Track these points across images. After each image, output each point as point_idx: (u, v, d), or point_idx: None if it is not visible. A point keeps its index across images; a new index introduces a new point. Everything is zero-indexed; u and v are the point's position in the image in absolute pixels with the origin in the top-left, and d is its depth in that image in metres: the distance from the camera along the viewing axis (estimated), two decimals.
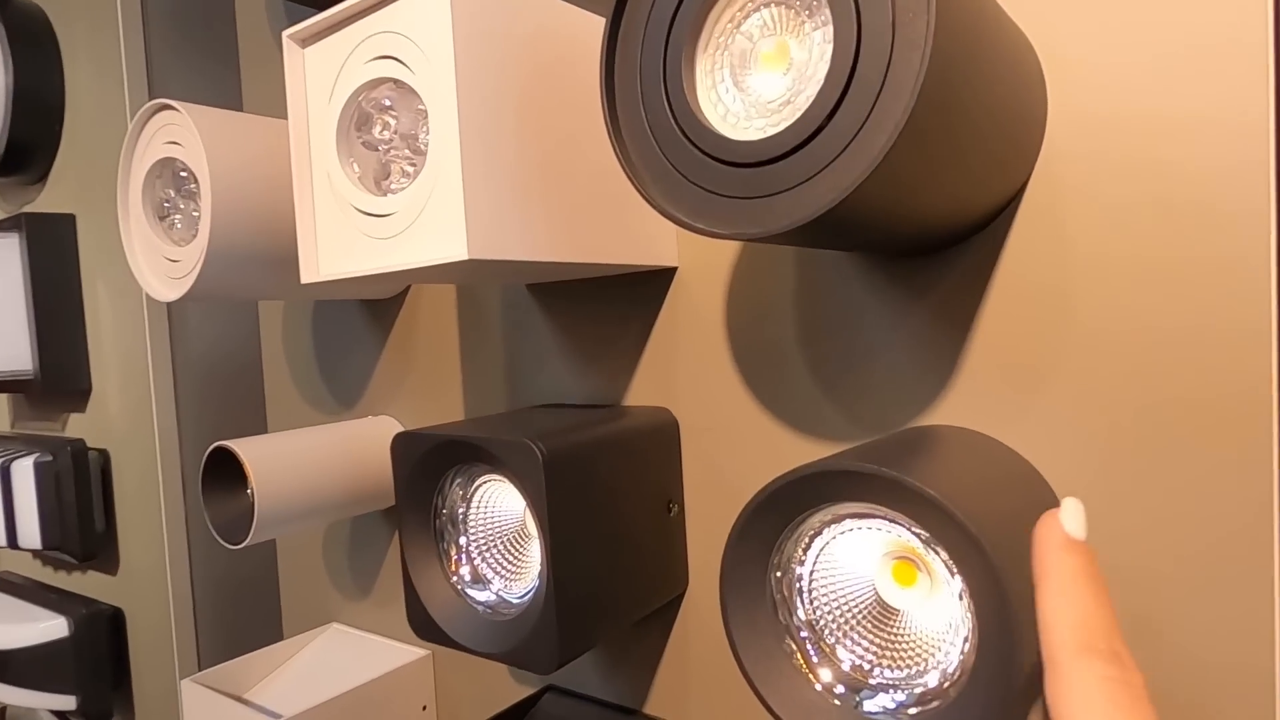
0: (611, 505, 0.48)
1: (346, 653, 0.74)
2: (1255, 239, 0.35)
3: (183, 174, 0.58)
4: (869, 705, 0.35)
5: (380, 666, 0.68)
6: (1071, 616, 0.26)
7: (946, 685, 0.34)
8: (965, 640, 0.34)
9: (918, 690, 0.35)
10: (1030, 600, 0.31)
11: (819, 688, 0.36)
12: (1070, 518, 0.29)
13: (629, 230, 0.50)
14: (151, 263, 0.60)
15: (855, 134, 0.28)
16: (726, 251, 0.51)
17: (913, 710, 0.34)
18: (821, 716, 0.36)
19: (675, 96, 0.33)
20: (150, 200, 0.59)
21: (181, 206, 0.59)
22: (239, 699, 0.66)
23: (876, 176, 0.28)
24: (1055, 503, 0.40)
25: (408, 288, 0.70)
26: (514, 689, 0.66)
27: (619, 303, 0.56)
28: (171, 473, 0.96)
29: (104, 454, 1.01)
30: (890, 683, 0.36)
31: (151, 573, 0.99)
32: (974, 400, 0.43)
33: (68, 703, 0.97)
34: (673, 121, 0.33)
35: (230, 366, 0.95)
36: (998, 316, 0.42)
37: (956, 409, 0.44)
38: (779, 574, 0.38)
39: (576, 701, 0.60)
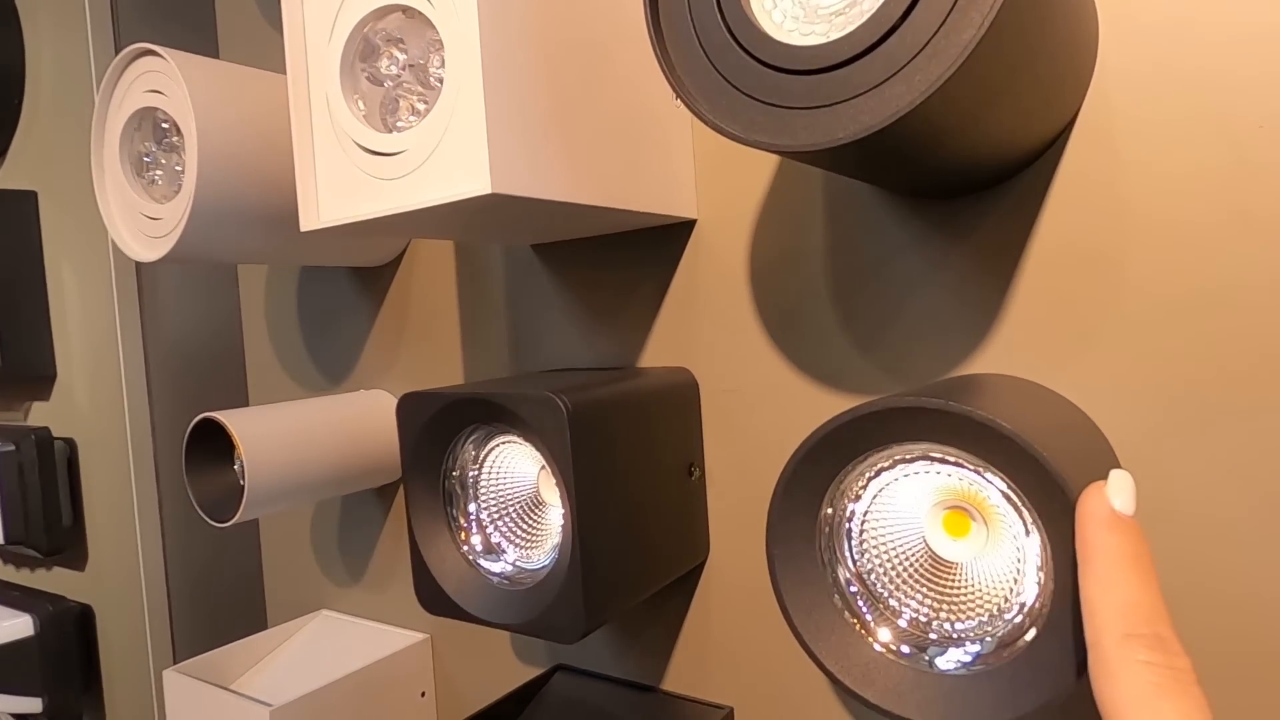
0: (634, 467, 0.46)
1: (338, 639, 0.71)
2: None
3: (164, 125, 0.55)
4: (942, 663, 0.33)
5: (375, 652, 0.65)
6: (1116, 600, 0.25)
7: (1021, 632, 0.32)
8: (1038, 585, 0.32)
9: (989, 640, 0.33)
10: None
11: (877, 647, 0.34)
12: (1118, 492, 0.27)
13: (650, 179, 0.47)
14: (129, 221, 0.56)
15: (936, 29, 0.26)
16: (749, 202, 0.49)
17: (979, 666, 0.32)
18: (882, 674, 0.33)
19: (727, 1, 0.30)
20: (128, 154, 0.55)
21: (163, 161, 0.55)
22: (230, 690, 0.62)
23: (959, 77, 0.26)
24: (1112, 451, 0.38)
25: (401, 254, 0.66)
26: (518, 671, 0.63)
27: (632, 261, 0.54)
28: (144, 460, 0.91)
29: (70, 443, 0.96)
30: (960, 635, 0.34)
31: (123, 566, 0.94)
32: (1021, 348, 0.41)
33: (33, 705, 0.92)
34: (724, 28, 0.30)
35: (207, 345, 0.91)
36: (1046, 257, 0.40)
37: (1002, 358, 0.42)
38: (830, 523, 0.36)
39: (589, 680, 0.58)
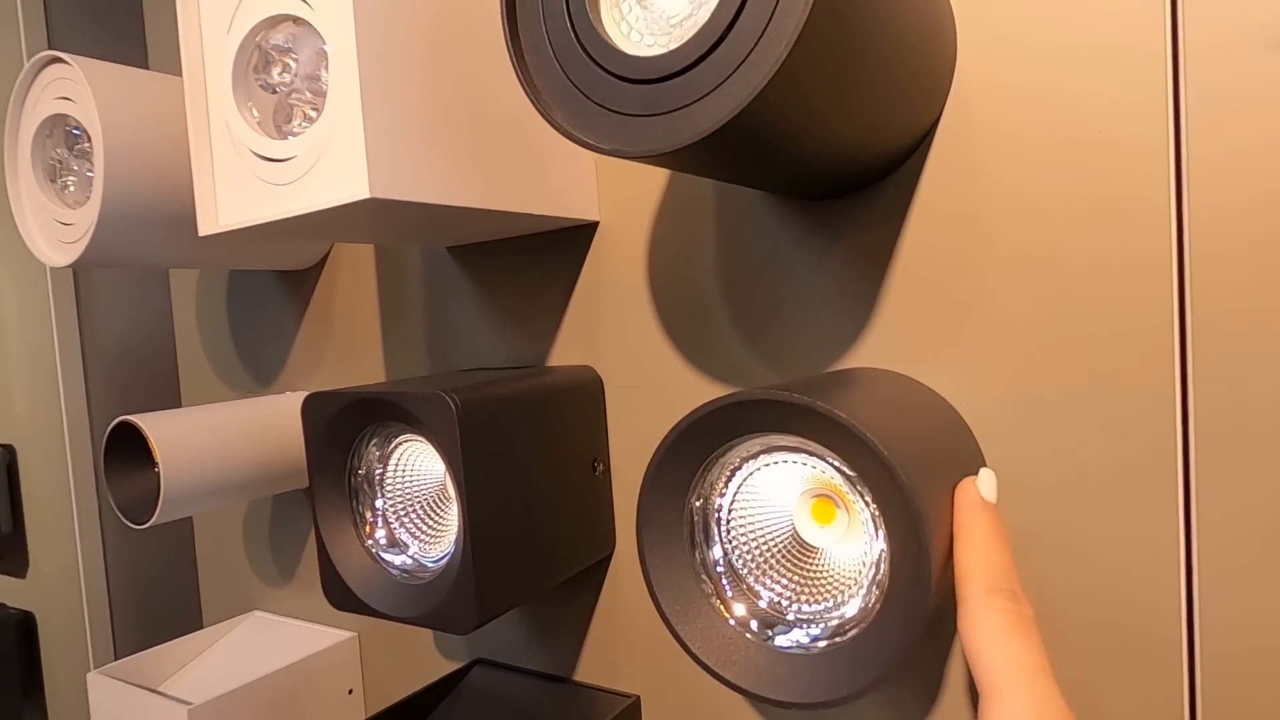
0: (532, 463, 0.47)
1: (268, 639, 0.71)
2: (1155, 173, 0.36)
3: (75, 132, 0.55)
4: (781, 640, 0.35)
5: (302, 651, 0.66)
6: (982, 563, 0.32)
7: (861, 617, 0.34)
8: (879, 571, 0.34)
9: (833, 623, 0.35)
10: (940, 533, 0.32)
11: (732, 623, 0.36)
12: (985, 484, 0.34)
13: (548, 182, 0.49)
14: (42, 227, 0.56)
15: (755, 43, 0.28)
16: (647, 204, 0.50)
17: (823, 643, 0.34)
18: (737, 653, 0.35)
19: (577, 14, 0.32)
20: (40, 160, 0.56)
21: (75, 167, 0.56)
22: (150, 690, 0.63)
23: (776, 86, 0.27)
24: (973, 440, 0.40)
25: (325, 257, 0.67)
26: (442, 666, 0.64)
27: (542, 262, 0.55)
28: (83, 465, 0.91)
29: (9, 450, 0.96)
30: (806, 618, 0.36)
31: (64, 573, 0.94)
32: (894, 342, 0.43)
33: None
34: (575, 40, 0.32)
35: (144, 349, 0.91)
36: (914, 256, 0.42)
37: (877, 351, 0.44)
38: (698, 511, 0.37)
39: (505, 673, 0.59)
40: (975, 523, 0.33)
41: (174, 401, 0.85)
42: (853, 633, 0.33)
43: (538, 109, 0.32)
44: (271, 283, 0.71)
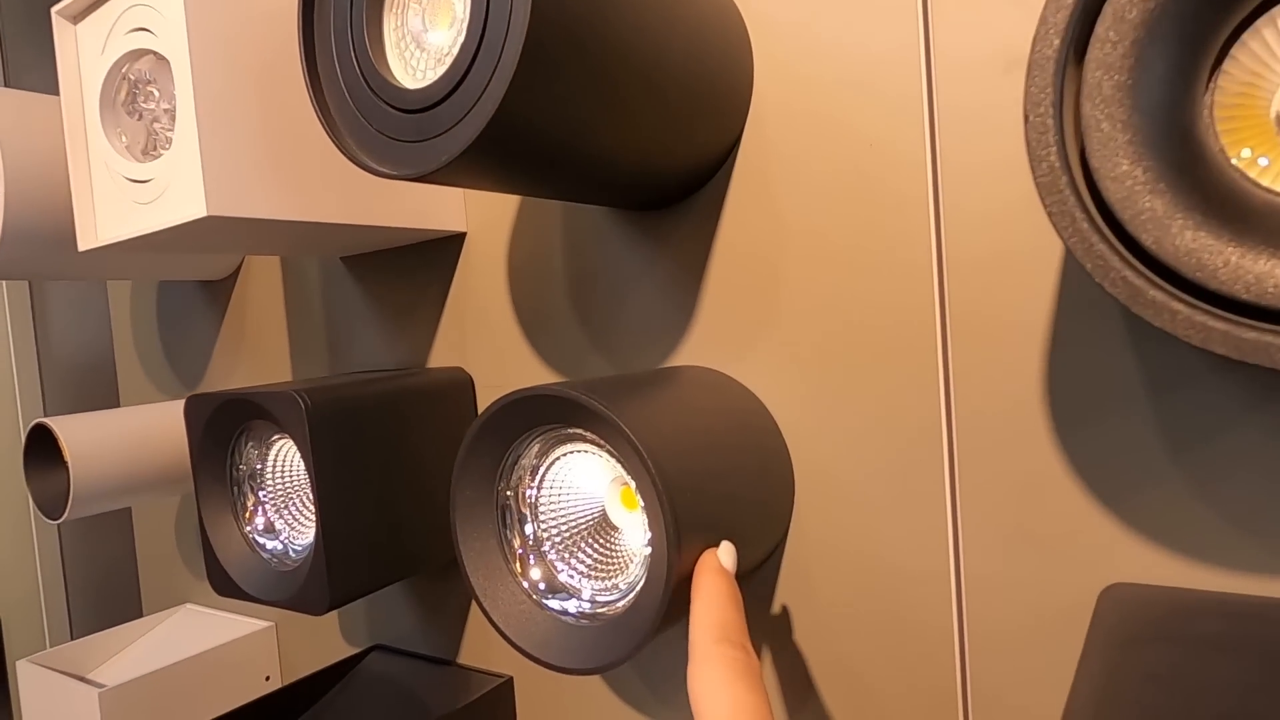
0: (394, 459, 0.50)
1: (194, 629, 0.75)
2: (916, 181, 0.39)
3: None
4: (551, 603, 0.38)
5: (222, 639, 0.70)
6: (714, 618, 0.33)
7: (624, 599, 0.37)
8: (645, 559, 0.37)
9: (609, 596, 0.38)
10: (694, 542, 0.35)
11: (525, 585, 0.39)
12: (725, 554, 0.36)
13: (413, 197, 0.52)
14: None
15: (490, 77, 0.31)
16: (507, 214, 0.54)
17: (588, 617, 0.37)
18: (536, 628, 0.39)
19: (361, 52, 0.35)
20: None
21: None
22: (77, 677, 0.67)
23: (507, 113, 0.31)
24: (776, 432, 0.43)
25: (239, 266, 0.71)
26: (351, 652, 0.68)
27: (420, 269, 0.59)
28: None
29: None
30: (587, 590, 0.39)
31: (22, 571, 0.99)
32: (710, 342, 0.46)
33: None
34: (360, 75, 0.35)
35: (95, 352, 0.95)
36: (725, 261, 0.45)
37: (699, 350, 0.47)
38: (509, 494, 0.41)
39: (398, 657, 0.63)
40: (711, 584, 0.34)
41: (116, 404, 0.89)
42: (621, 609, 0.37)
43: (330, 135, 0.36)
44: (194, 292, 0.75)
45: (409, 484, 0.51)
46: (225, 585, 0.51)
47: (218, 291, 0.73)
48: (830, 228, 0.42)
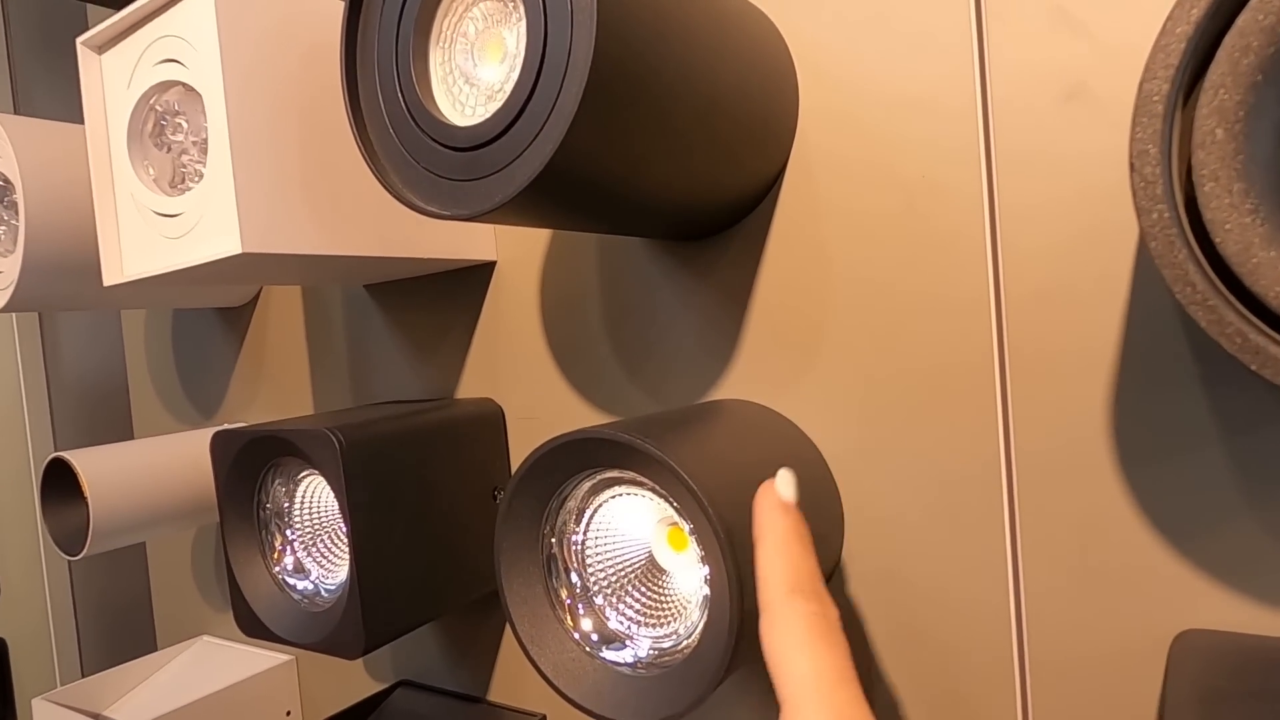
0: (425, 493, 0.49)
1: (212, 663, 0.74)
2: (972, 216, 0.38)
3: (3, 184, 0.58)
4: (616, 655, 0.37)
5: (242, 674, 0.68)
6: (782, 567, 0.30)
7: (689, 638, 0.36)
8: (706, 596, 0.36)
9: (667, 644, 0.37)
10: (754, 583, 0.32)
11: (577, 636, 0.38)
12: (784, 485, 0.32)
13: (441, 227, 0.51)
14: None
15: (547, 117, 0.30)
16: (539, 244, 0.53)
17: (657, 665, 0.36)
18: (585, 676, 0.37)
19: (407, 88, 0.34)
20: None
21: (4, 218, 0.59)
22: (94, 715, 0.65)
23: (566, 154, 0.30)
24: (822, 471, 0.42)
25: (258, 294, 0.70)
26: (374, 687, 0.66)
27: (447, 299, 0.58)
28: None
29: None
30: (651, 639, 0.38)
31: (33, 598, 0.97)
32: (754, 374, 0.45)
33: None
34: (406, 111, 0.34)
35: (107, 382, 0.94)
36: (769, 294, 0.44)
37: (741, 383, 0.46)
38: (553, 543, 0.40)
39: (426, 694, 0.61)
40: (774, 526, 0.31)
41: (129, 434, 0.88)
42: (681, 655, 0.35)
43: (374, 174, 0.35)
44: (212, 319, 0.74)
45: (440, 519, 0.50)
46: (254, 627, 0.50)
47: (235, 319, 0.72)
48: (879, 259, 0.41)
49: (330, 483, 0.45)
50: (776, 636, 0.28)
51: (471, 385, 0.57)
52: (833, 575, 0.43)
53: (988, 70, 0.38)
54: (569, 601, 0.39)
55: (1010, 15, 0.37)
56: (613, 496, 0.40)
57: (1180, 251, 0.20)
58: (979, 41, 0.38)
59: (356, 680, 0.68)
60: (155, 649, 0.88)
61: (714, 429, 0.40)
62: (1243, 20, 0.21)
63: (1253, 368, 0.21)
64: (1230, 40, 0.21)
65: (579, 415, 0.52)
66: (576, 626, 0.39)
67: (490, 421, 0.55)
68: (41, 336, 0.99)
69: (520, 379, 0.55)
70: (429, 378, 0.59)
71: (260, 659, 0.72)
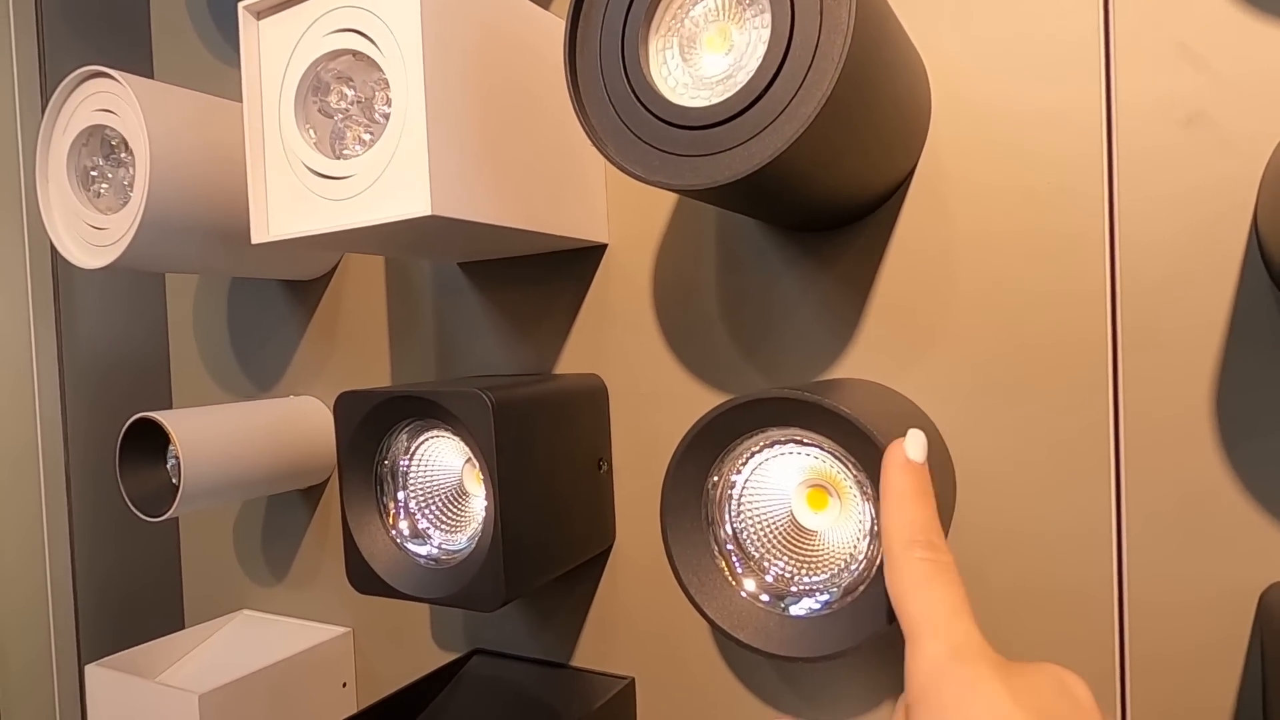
0: (549, 458, 0.52)
1: (260, 636, 0.74)
2: (1092, 215, 0.44)
3: (113, 143, 0.58)
4: (795, 609, 0.40)
5: (297, 646, 0.68)
6: (903, 519, 0.34)
7: (859, 583, 0.40)
8: (869, 546, 0.40)
9: (835, 590, 0.41)
10: None
11: (744, 594, 0.41)
12: (912, 445, 0.36)
13: (569, 207, 0.54)
14: (72, 230, 0.59)
15: (788, 103, 0.34)
16: (653, 229, 0.56)
17: (835, 605, 0.40)
18: (750, 619, 0.41)
19: (632, 68, 0.38)
20: (75, 168, 0.58)
21: (110, 175, 0.59)
22: (155, 681, 0.65)
23: (804, 139, 0.34)
24: (939, 436, 0.47)
25: (334, 268, 0.71)
26: (437, 658, 0.68)
27: (550, 279, 0.60)
28: (54, 471, 0.92)
29: None
30: (813, 587, 0.41)
31: (29, 577, 0.94)
32: (873, 356, 0.50)
33: None
34: (629, 90, 0.38)
35: (126, 354, 0.92)
36: (891, 284, 0.49)
37: (859, 364, 0.50)
38: (712, 497, 0.43)
39: (504, 661, 0.63)
40: (896, 482, 0.34)
41: (155, 404, 0.87)
42: (852, 597, 0.39)
43: (596, 145, 0.38)
44: (275, 290, 0.74)
45: (558, 484, 0.53)
46: (370, 583, 0.51)
47: (305, 292, 0.73)
48: (1002, 253, 0.46)
49: (476, 443, 0.48)
50: (897, 580, 0.32)
51: (571, 362, 0.60)
52: (947, 532, 0.48)
53: (1114, 89, 0.43)
54: (730, 550, 0.43)
55: (1137, 47, 0.43)
56: (769, 458, 0.43)
57: None
58: (1106, 69, 0.43)
59: (415, 653, 0.69)
60: (177, 625, 0.87)
61: (858, 394, 0.44)
62: None
63: None
64: None
65: (688, 392, 0.55)
66: (734, 575, 0.42)
67: (597, 395, 0.58)
68: (55, 307, 0.96)
69: (627, 357, 0.58)
70: (524, 355, 0.62)
71: (312, 631, 0.72)
